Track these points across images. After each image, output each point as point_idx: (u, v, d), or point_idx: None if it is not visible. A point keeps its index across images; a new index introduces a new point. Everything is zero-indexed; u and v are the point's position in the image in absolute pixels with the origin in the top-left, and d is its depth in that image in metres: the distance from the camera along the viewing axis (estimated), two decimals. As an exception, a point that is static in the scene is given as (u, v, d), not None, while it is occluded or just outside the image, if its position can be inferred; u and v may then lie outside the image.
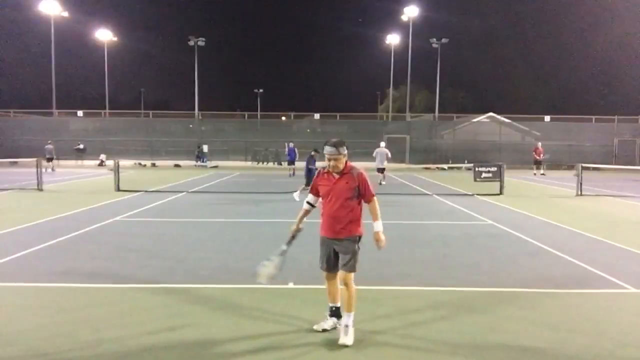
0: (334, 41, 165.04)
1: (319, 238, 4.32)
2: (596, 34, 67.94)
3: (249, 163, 34.90)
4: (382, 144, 20.13)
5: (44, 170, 24.15)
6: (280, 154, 33.24)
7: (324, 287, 4.42)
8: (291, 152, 24.61)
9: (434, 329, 4.44)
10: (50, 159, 26.09)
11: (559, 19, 78.98)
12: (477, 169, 17.01)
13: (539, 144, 27.34)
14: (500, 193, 15.76)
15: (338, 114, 39.81)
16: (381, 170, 19.27)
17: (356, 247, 4.20)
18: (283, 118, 44.05)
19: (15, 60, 67.76)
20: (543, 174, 26.03)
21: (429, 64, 50.61)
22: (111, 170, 17.55)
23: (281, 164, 32.87)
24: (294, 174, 23.35)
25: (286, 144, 25.95)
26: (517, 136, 37.54)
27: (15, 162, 29.36)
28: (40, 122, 38.57)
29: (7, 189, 16.12)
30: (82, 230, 8.94)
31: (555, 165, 32.01)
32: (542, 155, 26.34)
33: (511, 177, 21.86)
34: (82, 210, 11.57)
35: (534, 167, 26.91)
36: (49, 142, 27.55)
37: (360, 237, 4.22)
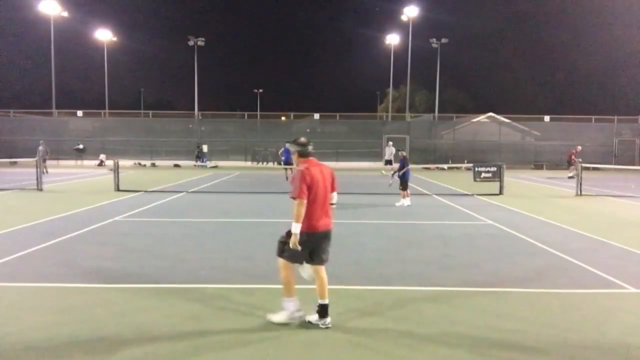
0: (334, 41, 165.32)
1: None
2: (596, 34, 68.06)
3: (248, 163, 34.88)
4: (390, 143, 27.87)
5: (44, 172, 23.79)
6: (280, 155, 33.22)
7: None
8: (286, 153, 21.12)
9: (435, 329, 4.45)
10: (43, 160, 24.03)
11: (559, 19, 79.07)
12: (477, 169, 17.02)
13: (579, 147, 25.63)
14: (500, 193, 15.77)
15: (338, 114, 39.75)
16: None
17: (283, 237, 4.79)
18: (283, 118, 43.98)
19: (15, 60, 67.82)
20: (571, 177, 24.55)
21: (429, 64, 50.67)
22: (111, 170, 17.54)
23: (281, 164, 32.83)
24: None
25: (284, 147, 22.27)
26: (517, 136, 37.54)
27: (15, 162, 29.34)
28: (40, 122, 38.51)
29: (7, 189, 16.11)
30: (82, 230, 8.94)
31: (554, 165, 32.02)
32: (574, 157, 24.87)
33: (511, 177, 21.85)
34: (82, 210, 11.57)
35: (570, 168, 24.67)
36: (41, 141, 25.26)
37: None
